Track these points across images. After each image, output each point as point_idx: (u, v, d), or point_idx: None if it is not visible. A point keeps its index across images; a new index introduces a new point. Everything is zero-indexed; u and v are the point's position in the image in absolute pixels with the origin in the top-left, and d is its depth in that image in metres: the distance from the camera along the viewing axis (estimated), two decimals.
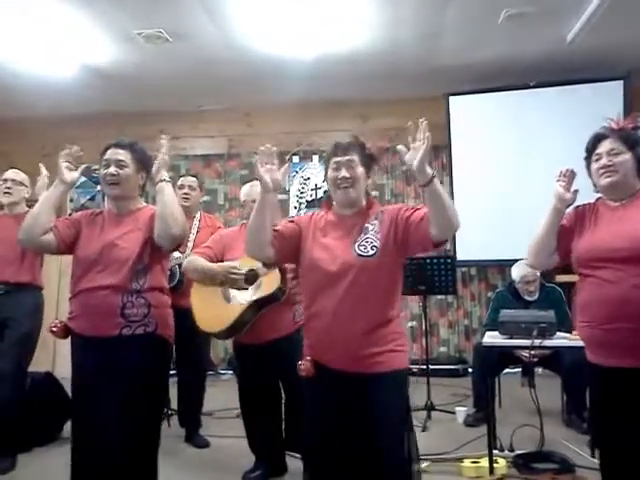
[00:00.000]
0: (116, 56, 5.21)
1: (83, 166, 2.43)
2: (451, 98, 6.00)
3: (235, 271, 2.91)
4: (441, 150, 6.31)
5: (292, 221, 2.26)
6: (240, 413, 3.29)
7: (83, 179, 6.76)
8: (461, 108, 6.01)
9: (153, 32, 4.65)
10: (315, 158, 6.57)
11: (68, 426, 3.79)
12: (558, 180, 2.27)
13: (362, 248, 2.06)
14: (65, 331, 2.34)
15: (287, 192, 6.58)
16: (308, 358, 2.10)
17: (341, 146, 2.16)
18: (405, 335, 2.20)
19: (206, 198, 6.73)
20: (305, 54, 5.22)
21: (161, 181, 2.32)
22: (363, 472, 2.01)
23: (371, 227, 2.11)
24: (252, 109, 6.71)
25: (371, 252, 2.05)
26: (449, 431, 4.03)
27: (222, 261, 3.06)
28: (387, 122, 6.46)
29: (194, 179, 4.03)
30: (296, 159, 6.63)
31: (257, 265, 2.92)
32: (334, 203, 2.22)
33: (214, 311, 3.03)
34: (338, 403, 2.05)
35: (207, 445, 3.80)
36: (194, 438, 3.84)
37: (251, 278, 2.96)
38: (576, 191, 2.26)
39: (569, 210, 2.29)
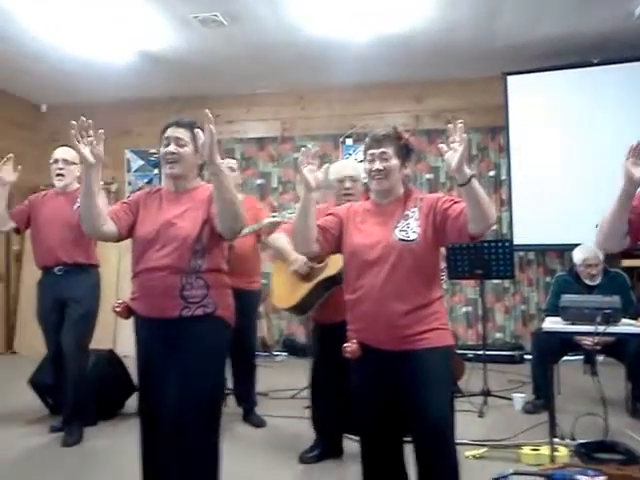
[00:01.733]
0: (172, 41, 5.27)
1: (100, 131, 2.21)
2: (509, 78, 5.83)
3: (296, 265, 3.03)
4: (498, 131, 6.16)
5: (331, 213, 2.31)
6: (295, 394, 3.33)
7: (141, 162, 6.92)
8: (520, 88, 5.82)
9: (209, 15, 4.67)
10: None
11: (130, 402, 3.95)
12: (628, 157, 2.08)
13: (403, 233, 2.12)
14: (128, 311, 2.36)
15: None
16: (354, 340, 2.15)
17: (375, 138, 2.21)
18: (446, 315, 2.27)
19: (260, 181, 6.79)
20: (360, 36, 5.15)
21: (216, 173, 2.10)
22: (414, 444, 2.09)
23: (411, 214, 2.16)
24: (305, 92, 6.69)
25: (412, 237, 2.11)
26: (506, 417, 3.97)
27: None
28: (442, 103, 6.35)
29: (234, 161, 4.02)
30: (349, 142, 6.59)
31: None
32: (371, 194, 2.29)
33: (287, 288, 3.17)
34: (387, 382, 2.12)
35: (263, 424, 3.86)
36: (250, 417, 3.91)
37: (317, 259, 3.01)
38: None
39: None
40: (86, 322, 3.61)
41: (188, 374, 2.23)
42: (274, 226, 3.43)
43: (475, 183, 1.93)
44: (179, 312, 2.24)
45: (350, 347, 2.14)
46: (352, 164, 3.29)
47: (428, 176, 6.42)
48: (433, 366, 2.08)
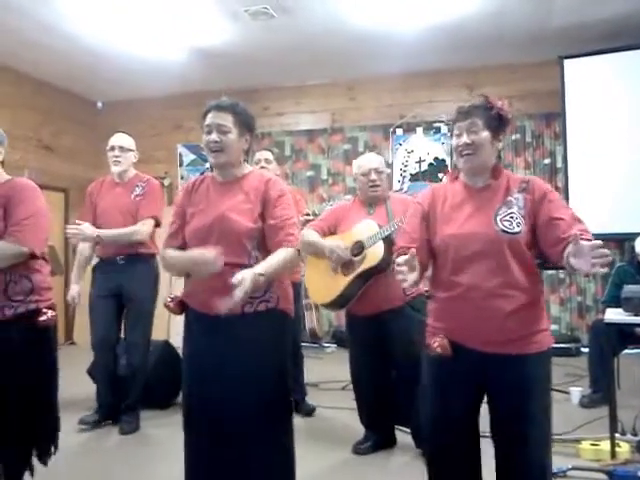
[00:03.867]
0: (222, 35, 5.32)
1: None
2: (566, 61, 5.65)
3: (338, 251, 2.97)
4: (553, 118, 5.99)
5: (413, 215, 2.07)
6: (346, 386, 3.31)
7: (193, 157, 7.03)
8: (577, 72, 5.63)
9: (259, 8, 4.70)
10: (419, 130, 6.42)
11: None
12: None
13: (507, 224, 1.89)
14: (181, 307, 2.26)
15: (390, 165, 6.49)
16: (441, 336, 1.94)
17: (462, 110, 1.99)
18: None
19: (310, 173, 6.80)
20: (408, 25, 5.09)
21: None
22: (503, 454, 1.94)
23: (514, 200, 1.93)
24: (355, 82, 6.65)
25: (517, 229, 1.88)
26: (562, 411, 3.85)
27: (335, 232, 3.13)
28: (495, 90, 6.16)
29: (269, 152, 4.03)
30: (399, 131, 6.52)
31: (363, 237, 2.96)
32: (460, 174, 2.05)
33: (323, 283, 3.11)
34: (476, 384, 1.95)
35: (313, 410, 3.88)
36: (301, 407, 3.92)
37: (356, 250, 3.00)
38: None
39: None
40: (148, 317, 3.70)
41: (254, 372, 2.11)
42: (306, 222, 3.41)
43: None
44: (241, 308, 2.11)
45: (439, 342, 1.92)
46: (375, 157, 3.27)
47: None
48: (538, 373, 1.91)
